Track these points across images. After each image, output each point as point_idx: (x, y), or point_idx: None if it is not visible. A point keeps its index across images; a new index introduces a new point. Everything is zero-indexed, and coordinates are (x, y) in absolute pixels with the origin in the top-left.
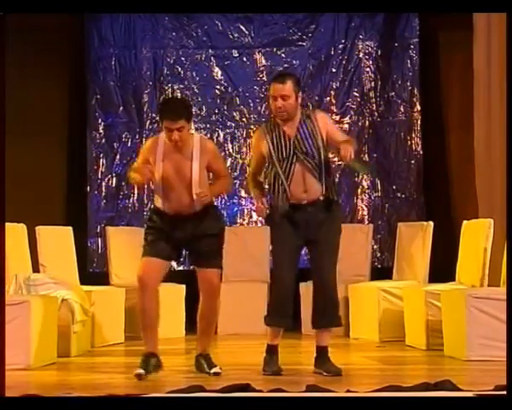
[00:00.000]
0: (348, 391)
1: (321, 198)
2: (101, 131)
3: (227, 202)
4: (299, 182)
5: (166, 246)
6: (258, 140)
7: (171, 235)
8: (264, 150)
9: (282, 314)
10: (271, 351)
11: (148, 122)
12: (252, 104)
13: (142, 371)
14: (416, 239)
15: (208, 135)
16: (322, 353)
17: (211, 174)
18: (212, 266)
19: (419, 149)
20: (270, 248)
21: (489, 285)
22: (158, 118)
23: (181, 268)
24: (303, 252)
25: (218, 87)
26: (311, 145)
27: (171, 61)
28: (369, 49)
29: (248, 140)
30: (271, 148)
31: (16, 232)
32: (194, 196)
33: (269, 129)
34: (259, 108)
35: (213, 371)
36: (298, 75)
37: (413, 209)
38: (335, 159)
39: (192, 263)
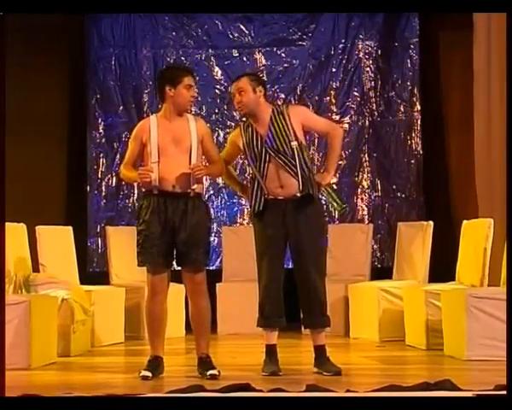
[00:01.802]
0: (348, 391)
1: (298, 194)
2: (101, 130)
3: (227, 202)
4: (274, 178)
5: (164, 251)
6: (237, 136)
7: (163, 230)
8: (241, 147)
9: (274, 315)
10: (270, 352)
11: None
12: None
13: (149, 373)
14: (416, 239)
15: None
16: (320, 353)
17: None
18: (197, 266)
19: (419, 148)
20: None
21: (489, 285)
22: (167, 83)
23: (180, 268)
24: None
25: (218, 87)
26: (282, 143)
27: (172, 61)
28: (369, 48)
29: None
30: (246, 147)
31: (16, 232)
32: (190, 167)
33: (244, 129)
34: None
35: (209, 373)
36: (258, 73)
37: (413, 209)
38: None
39: (178, 264)
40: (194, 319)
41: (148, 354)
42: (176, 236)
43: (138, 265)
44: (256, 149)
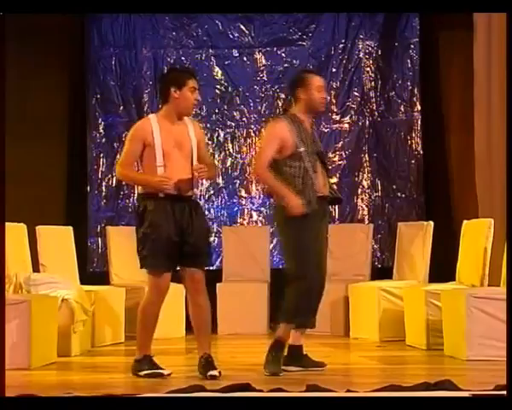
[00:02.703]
0: (348, 391)
1: (328, 194)
2: (102, 130)
3: (227, 202)
4: (322, 176)
5: (172, 254)
6: (284, 130)
7: (171, 233)
8: (289, 142)
9: (312, 314)
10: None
11: None
12: (252, 104)
13: (167, 371)
14: (416, 239)
15: (208, 135)
16: (300, 351)
17: None
18: (200, 265)
19: (419, 149)
20: (293, 244)
21: (489, 285)
22: (173, 84)
23: (179, 268)
24: None
25: (218, 87)
26: (320, 144)
27: (172, 61)
28: (370, 48)
29: (248, 140)
30: (298, 142)
31: (16, 232)
32: (194, 169)
33: (291, 123)
34: (260, 107)
35: (210, 373)
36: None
37: (413, 209)
38: (335, 158)
39: (185, 265)
40: (195, 318)
41: (143, 355)
42: (184, 238)
43: (141, 267)
44: (310, 145)
